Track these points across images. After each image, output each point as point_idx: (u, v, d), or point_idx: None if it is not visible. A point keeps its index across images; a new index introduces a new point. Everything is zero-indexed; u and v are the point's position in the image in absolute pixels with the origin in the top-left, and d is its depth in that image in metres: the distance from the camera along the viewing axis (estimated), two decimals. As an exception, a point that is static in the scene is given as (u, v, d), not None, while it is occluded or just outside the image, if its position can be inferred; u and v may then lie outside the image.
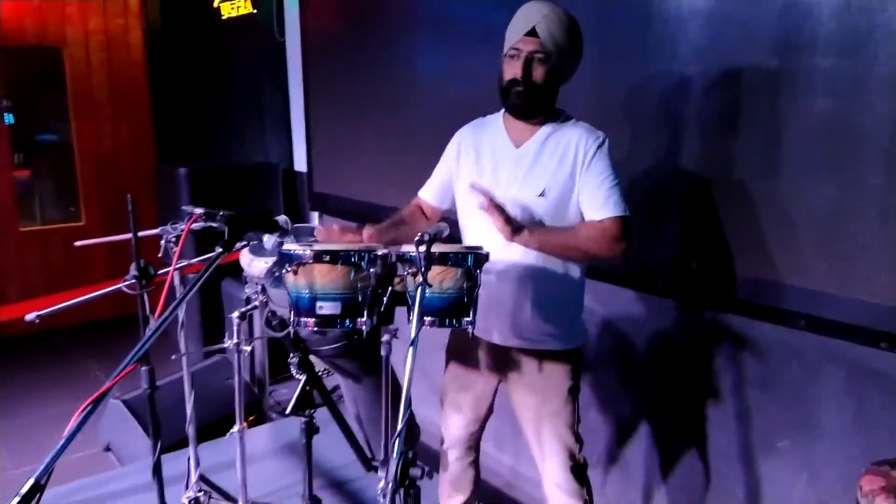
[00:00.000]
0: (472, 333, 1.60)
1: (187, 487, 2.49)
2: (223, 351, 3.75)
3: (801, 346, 2.02)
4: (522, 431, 2.04)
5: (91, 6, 5.03)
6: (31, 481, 1.04)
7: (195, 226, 2.09)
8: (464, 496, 2.21)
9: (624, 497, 2.62)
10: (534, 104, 1.82)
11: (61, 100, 5.09)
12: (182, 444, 2.68)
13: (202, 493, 2.47)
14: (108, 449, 3.24)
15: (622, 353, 2.57)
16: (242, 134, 4.91)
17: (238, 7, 4.60)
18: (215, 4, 4.79)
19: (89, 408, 1.10)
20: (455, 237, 1.94)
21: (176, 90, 5.44)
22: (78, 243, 2.36)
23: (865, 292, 1.83)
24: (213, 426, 3.11)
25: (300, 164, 4.42)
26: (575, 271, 1.90)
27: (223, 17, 4.75)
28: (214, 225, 1.98)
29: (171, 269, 1.78)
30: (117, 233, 3.63)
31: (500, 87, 1.85)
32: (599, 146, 1.81)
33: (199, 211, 1.66)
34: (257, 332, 2.93)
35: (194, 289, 1.23)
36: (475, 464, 2.22)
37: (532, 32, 1.76)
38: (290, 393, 3.96)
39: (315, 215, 4.30)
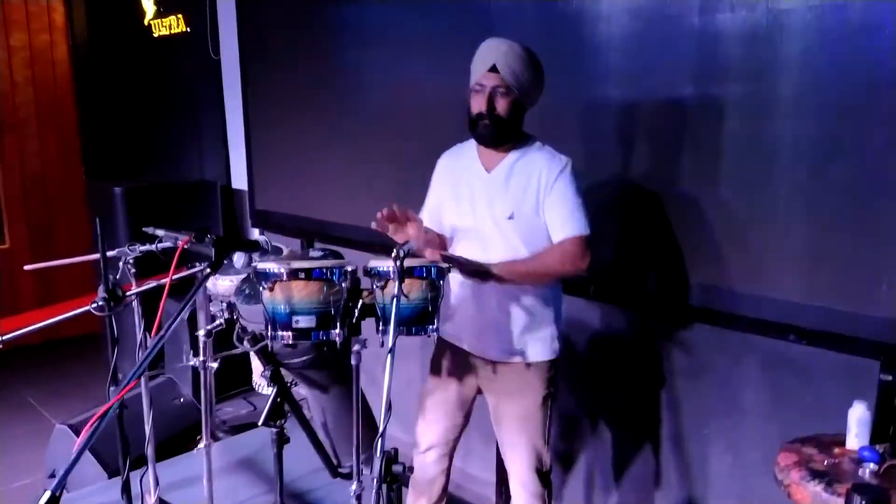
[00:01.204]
0: (455, 345, 1.71)
1: (145, 508, 2.50)
2: (162, 372, 3.75)
3: (724, 340, 2.25)
4: (496, 434, 2.17)
5: (13, 22, 4.89)
6: (47, 494, 1.11)
7: (137, 249, 2.15)
8: (434, 496, 2.29)
9: (568, 486, 2.81)
10: (500, 135, 1.96)
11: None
12: (134, 465, 2.67)
13: (162, 512, 2.49)
14: (52, 475, 3.17)
15: (565, 352, 2.75)
16: (176, 151, 4.87)
17: (170, 25, 4.59)
18: (146, 22, 4.75)
19: (95, 424, 1.17)
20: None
21: (105, 107, 5.33)
22: (28, 267, 2.34)
23: (775, 290, 2.08)
24: (162, 446, 3.10)
25: (238, 181, 4.44)
26: (548, 287, 2.04)
27: (155, 35, 4.72)
28: (156, 249, 2.07)
29: (140, 288, 1.84)
30: (45, 254, 3.56)
31: (468, 119, 1.98)
32: (561, 171, 1.95)
33: (179, 234, 1.72)
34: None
35: (186, 305, 1.31)
36: (447, 472, 2.30)
37: (493, 69, 1.89)
38: (235, 411, 4.01)
39: (256, 232, 4.32)
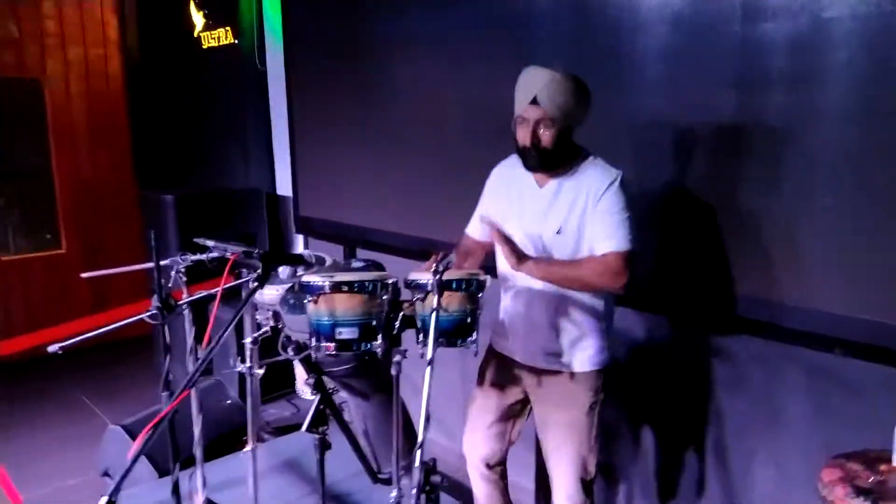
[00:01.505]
0: (503, 354, 1.73)
1: (194, 507, 2.59)
2: (211, 374, 3.86)
3: (765, 352, 2.23)
4: (541, 441, 2.19)
5: (70, 36, 5.10)
6: (104, 499, 1.17)
7: (189, 259, 2.23)
8: None
9: (609, 498, 2.80)
10: (547, 164, 1.97)
11: (41, 129, 5.13)
12: (183, 465, 2.77)
13: (210, 511, 2.58)
14: (106, 474, 3.30)
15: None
16: (224, 160, 5.02)
17: (218, 38, 4.73)
18: (195, 35, 4.91)
19: (151, 431, 1.23)
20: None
21: (156, 118, 5.52)
22: (85, 275, 2.45)
23: (822, 303, 2.05)
24: (210, 447, 3.20)
25: (283, 188, 4.55)
26: (596, 299, 2.04)
27: (203, 47, 4.87)
28: (205, 259, 2.15)
29: (192, 297, 1.91)
30: (98, 260, 3.70)
31: (516, 149, 2.00)
32: (611, 184, 1.93)
33: (238, 249, 1.78)
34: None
35: (237, 317, 1.37)
36: (503, 481, 2.33)
37: (535, 101, 1.89)
38: (279, 413, 4.10)
39: (300, 238, 4.42)
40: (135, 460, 1.22)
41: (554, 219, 1.98)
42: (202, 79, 5.04)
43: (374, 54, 3.55)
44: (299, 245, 4.49)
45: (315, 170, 4.16)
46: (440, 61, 3.17)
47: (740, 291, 2.23)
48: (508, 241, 1.89)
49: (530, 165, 1.99)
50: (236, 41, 4.59)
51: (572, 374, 2.05)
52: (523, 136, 1.94)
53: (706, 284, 2.32)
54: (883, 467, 1.76)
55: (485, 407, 2.22)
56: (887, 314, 1.93)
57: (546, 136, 1.92)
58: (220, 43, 4.73)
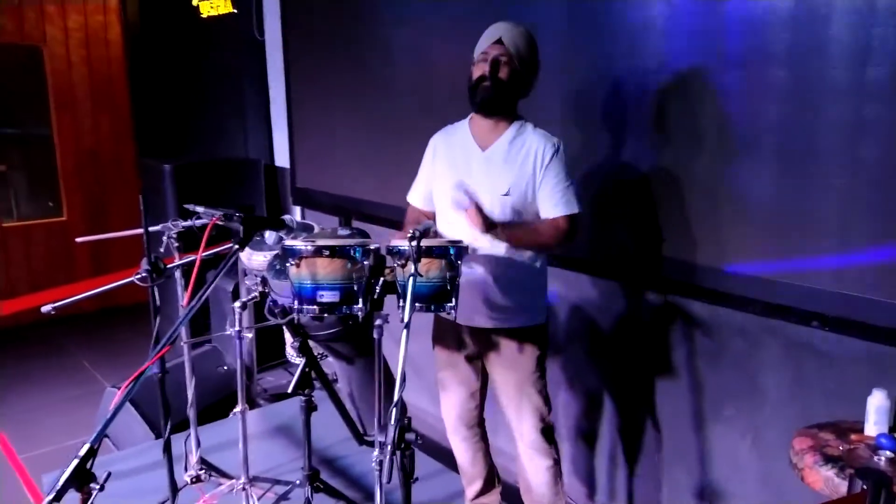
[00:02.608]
0: (455, 317, 1.81)
1: (187, 468, 2.66)
2: (209, 340, 3.93)
3: (745, 324, 2.26)
4: (500, 403, 2.27)
5: (70, 4, 5.10)
6: (86, 446, 1.22)
7: (180, 225, 2.27)
8: (481, 477, 2.43)
9: (591, 465, 2.86)
10: (499, 99, 2.06)
11: (41, 96, 5.15)
12: (178, 428, 2.84)
13: (203, 471, 2.64)
14: (105, 436, 3.37)
15: (588, 334, 2.80)
16: (222, 130, 5.03)
17: (217, 6, 4.71)
18: (194, 3, 4.89)
19: (132, 384, 1.28)
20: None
21: (155, 86, 5.52)
22: (79, 239, 2.49)
23: (800, 277, 2.08)
24: (205, 412, 3.27)
25: (281, 159, 4.57)
26: (535, 259, 2.16)
27: (202, 16, 4.86)
28: (197, 224, 2.18)
29: (180, 262, 1.95)
30: (99, 227, 3.74)
31: (469, 86, 2.10)
32: (556, 151, 2.07)
33: (215, 212, 1.82)
34: (248, 320, 3.09)
35: (217, 278, 1.41)
36: (485, 453, 2.43)
37: (499, 41, 2.04)
38: (276, 380, 4.18)
39: (297, 209, 4.45)
40: (117, 410, 1.26)
41: (501, 180, 2.07)
42: (201, 48, 5.03)
43: (372, 25, 3.55)
44: (297, 216, 4.52)
45: (312, 141, 4.18)
46: (438, 33, 3.17)
47: (719, 264, 2.26)
48: (480, 210, 1.95)
49: (481, 97, 2.06)
50: (235, 10, 4.57)
51: (519, 331, 2.15)
52: (481, 69, 2.05)
53: (686, 257, 2.35)
54: (854, 437, 1.80)
55: (447, 373, 2.32)
56: (863, 287, 1.95)
57: (504, 70, 2.04)
58: (220, 12, 4.71)
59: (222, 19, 4.71)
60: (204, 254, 1.76)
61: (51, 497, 1.14)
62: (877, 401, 1.80)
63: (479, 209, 1.97)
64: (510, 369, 2.19)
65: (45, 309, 2.02)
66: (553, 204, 2.06)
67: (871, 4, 1.85)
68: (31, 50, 5.07)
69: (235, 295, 3.72)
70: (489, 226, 1.97)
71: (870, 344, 1.96)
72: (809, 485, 1.70)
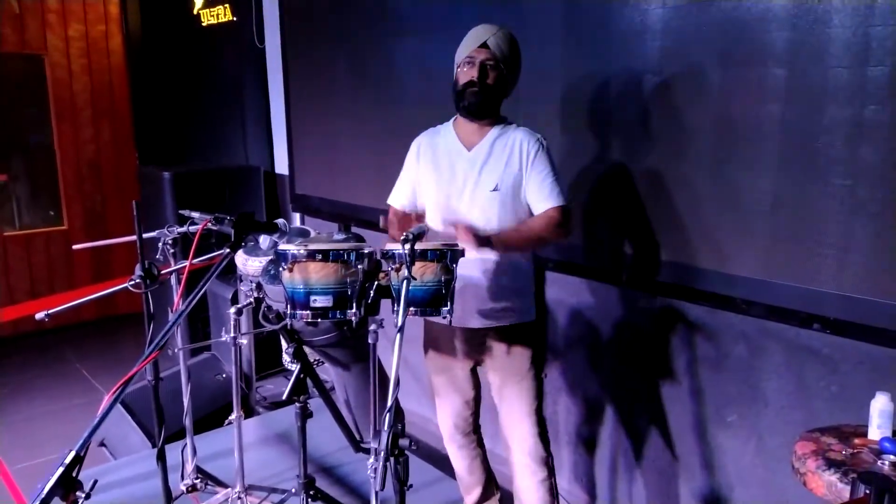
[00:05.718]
0: (451, 321, 1.79)
1: (183, 477, 2.64)
2: (208, 348, 3.91)
3: (746, 328, 2.23)
4: (496, 404, 2.25)
5: (72, 13, 5.12)
6: (72, 454, 1.20)
7: (175, 231, 2.26)
8: (479, 485, 2.40)
9: (592, 471, 2.83)
10: (487, 103, 2.07)
11: (42, 105, 5.16)
12: (175, 437, 2.82)
13: (199, 480, 2.62)
14: (102, 444, 3.36)
15: (588, 339, 2.77)
16: (222, 137, 5.04)
17: (218, 15, 4.73)
18: (195, 12, 4.91)
19: (119, 390, 1.26)
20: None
21: (156, 94, 5.54)
22: (76, 246, 2.48)
23: (801, 279, 2.05)
24: (203, 421, 3.25)
25: (281, 166, 4.57)
26: (522, 260, 2.16)
27: (203, 24, 4.87)
28: (191, 230, 2.16)
29: (174, 267, 1.94)
30: (99, 235, 3.74)
31: (455, 91, 2.10)
32: (540, 146, 2.09)
33: (208, 216, 1.81)
34: (246, 327, 3.08)
35: (208, 283, 1.39)
36: (480, 449, 2.40)
37: (484, 45, 2.05)
38: (275, 388, 4.15)
39: (297, 216, 4.44)
40: (103, 417, 1.24)
41: (488, 177, 2.08)
42: (202, 56, 5.04)
43: (370, 33, 3.55)
44: (297, 223, 4.51)
45: (312, 148, 4.18)
46: (436, 42, 3.17)
47: (722, 269, 2.24)
48: (470, 231, 1.93)
49: (469, 102, 2.07)
50: (235, 18, 4.59)
51: (510, 329, 2.14)
52: (469, 74, 2.06)
53: (687, 263, 2.32)
54: (857, 441, 1.77)
55: (441, 378, 2.29)
56: (864, 290, 1.93)
57: (491, 75, 2.06)
58: (220, 20, 4.73)
59: (222, 27, 4.72)
60: (195, 259, 1.74)
61: (34, 505, 1.12)
62: (880, 404, 1.77)
63: (470, 227, 1.95)
64: (504, 368, 2.18)
65: (38, 316, 2.00)
66: (544, 197, 2.07)
67: (871, 4, 1.83)
68: (32, 59, 5.09)
69: (234, 302, 3.70)
70: (483, 241, 1.95)
71: (872, 346, 1.94)
72: (812, 490, 1.67)
